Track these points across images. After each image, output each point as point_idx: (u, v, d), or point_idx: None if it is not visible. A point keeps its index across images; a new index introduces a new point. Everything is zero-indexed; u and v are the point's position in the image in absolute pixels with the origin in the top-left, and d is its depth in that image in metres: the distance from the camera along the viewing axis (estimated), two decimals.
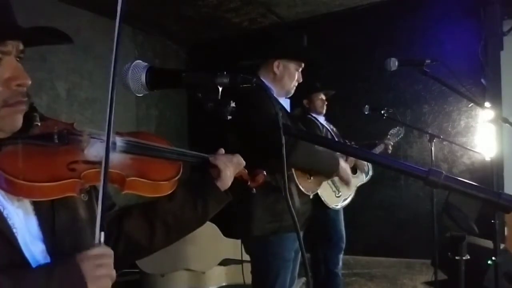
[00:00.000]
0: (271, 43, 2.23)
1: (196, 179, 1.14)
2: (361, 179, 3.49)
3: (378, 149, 3.46)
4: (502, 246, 2.78)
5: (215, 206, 1.15)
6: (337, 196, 3.23)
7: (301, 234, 2.09)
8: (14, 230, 0.79)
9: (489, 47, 4.55)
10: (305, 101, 3.55)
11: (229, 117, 0.91)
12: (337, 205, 3.26)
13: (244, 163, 1.20)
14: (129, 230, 1.07)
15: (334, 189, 3.21)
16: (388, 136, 3.53)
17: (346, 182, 2.98)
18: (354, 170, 3.43)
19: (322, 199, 3.09)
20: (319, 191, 3.01)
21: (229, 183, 1.16)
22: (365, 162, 3.31)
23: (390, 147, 3.51)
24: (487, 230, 2.60)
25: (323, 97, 3.55)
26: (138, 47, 6.00)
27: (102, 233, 0.78)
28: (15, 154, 0.81)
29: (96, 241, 0.78)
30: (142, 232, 1.09)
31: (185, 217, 1.11)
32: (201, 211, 1.12)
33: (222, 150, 1.19)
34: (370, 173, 3.54)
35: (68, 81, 4.99)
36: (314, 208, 3.08)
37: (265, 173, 1.27)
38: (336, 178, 3.18)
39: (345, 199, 3.31)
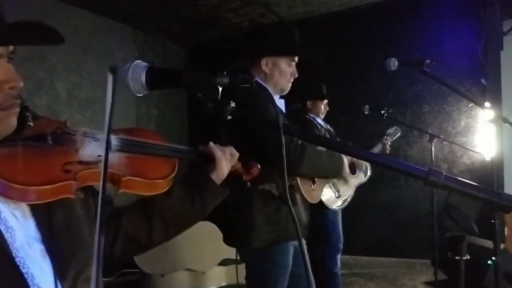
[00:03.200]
0: (256, 41, 2.08)
1: (192, 174, 1.14)
2: (360, 178, 3.49)
3: (376, 149, 3.46)
4: (502, 246, 2.78)
5: (213, 201, 1.15)
6: (337, 197, 3.23)
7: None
8: (12, 233, 0.79)
9: (489, 47, 4.55)
10: (308, 103, 3.58)
11: (229, 117, 0.91)
12: (337, 206, 3.25)
13: (237, 154, 1.19)
14: (127, 226, 1.07)
15: (334, 190, 3.20)
16: (386, 136, 3.53)
17: (346, 180, 2.95)
18: (353, 170, 3.43)
19: (323, 200, 3.08)
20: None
21: (225, 174, 1.15)
22: (364, 161, 3.30)
23: (387, 146, 3.52)
24: (487, 230, 2.59)
25: (326, 101, 3.61)
26: (138, 47, 6.01)
27: None
28: (8, 157, 0.80)
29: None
30: (141, 228, 1.09)
31: (183, 212, 1.11)
32: (199, 206, 1.12)
33: (212, 144, 1.18)
34: (369, 172, 3.54)
35: (68, 81, 4.99)
36: (312, 210, 3.08)
37: (259, 166, 1.26)
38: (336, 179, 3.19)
39: (345, 200, 3.31)
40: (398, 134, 3.58)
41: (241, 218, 1.90)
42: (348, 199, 3.34)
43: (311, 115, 3.56)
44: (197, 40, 6.44)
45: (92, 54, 5.05)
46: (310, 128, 3.41)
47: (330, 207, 3.17)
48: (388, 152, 3.49)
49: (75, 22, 4.85)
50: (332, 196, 3.19)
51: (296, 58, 2.05)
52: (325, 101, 3.61)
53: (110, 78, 0.67)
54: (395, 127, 3.57)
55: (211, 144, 1.18)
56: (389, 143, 3.50)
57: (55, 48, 4.64)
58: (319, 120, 3.59)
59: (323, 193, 3.05)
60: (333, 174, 2.28)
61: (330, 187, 3.17)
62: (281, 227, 1.88)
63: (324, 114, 3.63)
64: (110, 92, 0.67)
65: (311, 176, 2.09)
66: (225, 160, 1.14)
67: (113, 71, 0.67)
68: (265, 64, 2.00)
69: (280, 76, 2.01)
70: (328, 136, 3.51)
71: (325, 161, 2.01)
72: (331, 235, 3.32)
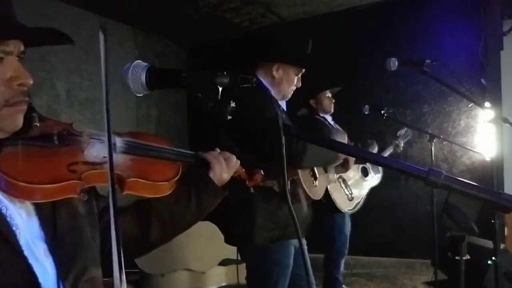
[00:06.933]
0: (273, 45, 2.10)
1: (191, 173, 1.14)
2: (371, 180, 3.49)
3: (388, 151, 3.46)
4: (502, 246, 2.78)
5: (210, 200, 1.15)
6: (349, 200, 3.21)
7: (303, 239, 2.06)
8: (17, 231, 0.79)
9: (489, 47, 4.55)
10: (311, 101, 3.41)
11: (229, 117, 0.91)
12: (349, 209, 3.22)
13: (237, 162, 1.20)
14: (125, 227, 1.06)
15: (347, 192, 3.18)
16: (398, 138, 3.53)
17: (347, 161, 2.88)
18: (365, 172, 3.42)
19: (336, 204, 3.06)
20: (332, 196, 3.01)
21: (223, 178, 1.15)
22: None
23: (400, 148, 3.52)
24: (487, 230, 2.59)
25: (330, 95, 3.42)
26: (138, 47, 6.01)
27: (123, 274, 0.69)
28: (15, 156, 0.81)
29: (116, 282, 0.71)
30: (138, 228, 1.08)
31: (180, 211, 1.11)
32: (195, 205, 1.12)
33: (218, 150, 1.20)
34: (380, 173, 3.54)
35: (68, 81, 4.99)
36: (322, 212, 3.08)
37: (262, 172, 1.27)
38: (349, 181, 3.18)
39: (357, 203, 3.30)
40: (409, 136, 3.58)
41: (242, 215, 1.90)
42: (360, 203, 3.32)
43: (321, 115, 3.40)
44: (197, 40, 6.44)
45: (92, 54, 5.05)
46: (321, 129, 3.25)
47: (342, 210, 3.15)
48: (399, 151, 3.50)
49: (75, 22, 4.84)
50: (345, 198, 3.17)
51: (303, 70, 2.10)
52: (328, 94, 3.39)
53: (101, 37, 0.67)
54: (405, 128, 3.56)
55: (214, 151, 1.18)
56: (401, 145, 3.49)
57: (55, 48, 4.64)
58: (330, 120, 3.46)
59: (336, 196, 3.05)
60: (332, 161, 2.27)
61: (343, 189, 3.15)
62: (282, 225, 1.88)
63: (332, 108, 3.41)
64: (102, 51, 0.67)
65: (314, 165, 2.09)
66: (221, 167, 1.14)
67: (104, 30, 0.67)
68: (276, 69, 2.03)
69: (287, 84, 2.06)
70: None
71: (324, 151, 2.00)
72: (337, 239, 3.30)
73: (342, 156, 2.18)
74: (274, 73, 2.03)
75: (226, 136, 1.92)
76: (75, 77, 5.05)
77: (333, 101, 3.45)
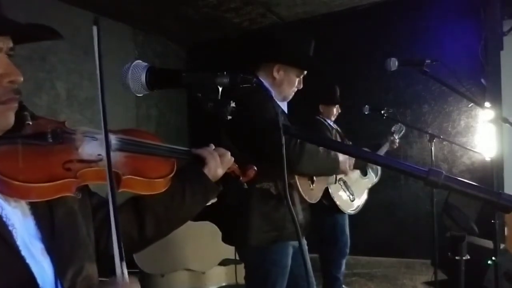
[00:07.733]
0: (273, 46, 2.08)
1: (186, 169, 1.14)
2: (372, 179, 3.50)
3: (385, 148, 3.46)
4: (502, 246, 2.78)
5: (204, 196, 1.15)
6: (351, 201, 3.22)
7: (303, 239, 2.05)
8: (14, 231, 0.79)
9: (489, 47, 4.55)
10: (321, 106, 3.50)
11: (229, 117, 0.91)
12: (352, 210, 3.23)
13: (231, 158, 1.20)
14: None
15: (349, 193, 3.19)
16: (392, 133, 3.54)
17: (345, 173, 2.90)
18: (364, 171, 3.43)
19: (339, 206, 3.07)
20: (334, 198, 3.02)
21: (218, 174, 1.16)
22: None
23: (396, 143, 3.51)
24: (487, 230, 2.59)
25: (338, 105, 3.54)
26: (138, 47, 6.01)
27: (124, 264, 0.72)
28: (9, 155, 0.80)
29: (118, 273, 0.72)
30: (132, 224, 1.08)
31: (175, 207, 1.10)
32: (190, 200, 1.11)
33: (212, 146, 1.20)
34: (379, 172, 3.54)
35: (68, 81, 4.99)
36: (324, 214, 3.08)
37: (255, 168, 1.27)
38: (349, 182, 3.19)
39: (360, 203, 3.31)
40: (403, 130, 3.59)
41: (239, 216, 1.90)
42: (362, 203, 3.33)
43: (322, 117, 3.49)
44: (197, 40, 6.44)
45: (92, 54, 5.02)
46: (320, 129, 3.34)
47: (345, 211, 3.16)
48: (395, 147, 3.50)
49: (75, 22, 4.84)
50: (347, 200, 3.18)
51: (305, 72, 2.07)
52: (337, 105, 3.53)
53: (94, 29, 0.67)
54: (399, 124, 3.57)
55: (209, 146, 1.19)
56: (397, 140, 3.50)
57: (55, 48, 4.64)
58: (329, 121, 3.52)
59: (338, 198, 3.06)
60: (331, 171, 2.28)
61: (344, 191, 3.16)
62: (279, 227, 1.88)
63: (336, 116, 3.55)
64: (96, 43, 0.66)
65: (310, 174, 2.09)
66: (216, 162, 1.15)
67: (96, 22, 0.67)
68: (277, 70, 2.00)
69: (288, 85, 2.03)
70: (338, 137, 3.47)
71: (323, 159, 2.01)
72: (339, 239, 3.31)
73: (340, 168, 2.15)
74: (275, 74, 2.01)
75: (226, 136, 1.92)
76: (75, 77, 5.05)
77: (339, 111, 3.55)
